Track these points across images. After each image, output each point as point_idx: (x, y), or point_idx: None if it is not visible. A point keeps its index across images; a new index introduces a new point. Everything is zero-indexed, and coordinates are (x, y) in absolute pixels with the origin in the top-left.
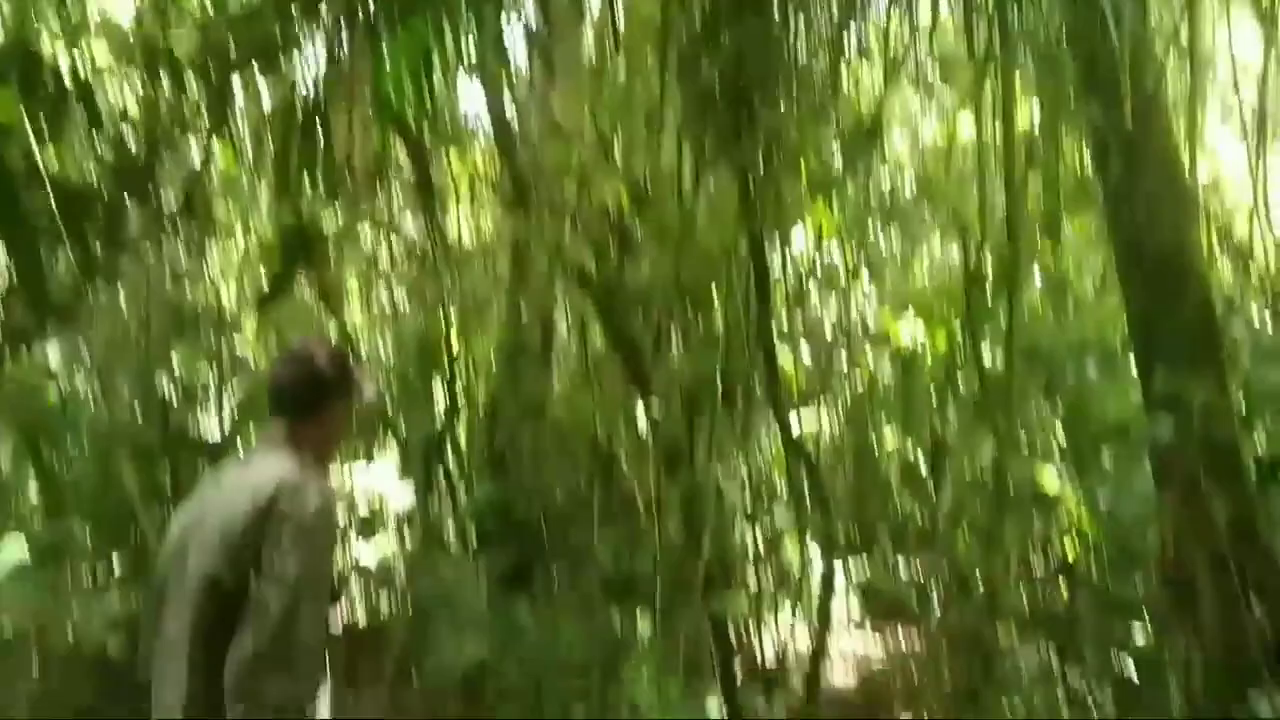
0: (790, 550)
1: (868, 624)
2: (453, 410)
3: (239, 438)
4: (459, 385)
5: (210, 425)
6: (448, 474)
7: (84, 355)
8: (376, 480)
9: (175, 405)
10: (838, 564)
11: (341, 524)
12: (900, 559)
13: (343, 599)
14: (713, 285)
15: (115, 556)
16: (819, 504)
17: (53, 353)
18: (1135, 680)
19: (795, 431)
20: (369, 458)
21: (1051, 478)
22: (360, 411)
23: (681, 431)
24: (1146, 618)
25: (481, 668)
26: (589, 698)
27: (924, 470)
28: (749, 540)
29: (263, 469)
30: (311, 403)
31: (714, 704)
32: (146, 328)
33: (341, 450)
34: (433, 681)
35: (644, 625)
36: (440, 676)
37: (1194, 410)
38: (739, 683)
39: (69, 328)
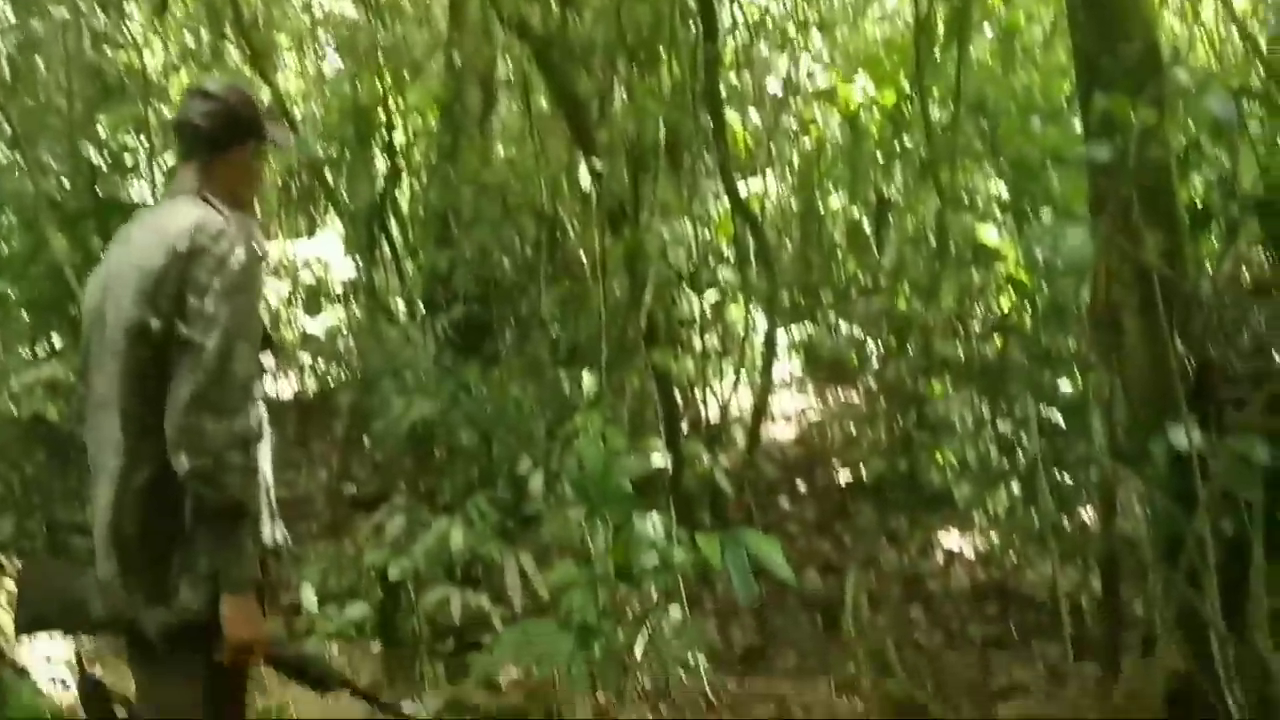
0: (734, 313)
1: (809, 384)
2: (393, 176)
3: None
4: (398, 150)
5: (142, 191)
6: (391, 242)
7: (4, 126)
8: (320, 251)
9: (104, 172)
10: (780, 326)
11: (285, 292)
12: (841, 320)
13: (286, 360)
14: (659, 41)
15: (51, 326)
16: (764, 266)
17: None
18: (1062, 426)
19: (742, 193)
20: (311, 231)
21: (991, 233)
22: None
23: (626, 192)
24: (1076, 370)
25: (429, 427)
26: (536, 452)
27: (868, 230)
28: (694, 303)
29: (177, 214)
30: (223, 141)
31: (659, 456)
32: (70, 95)
33: (256, 197)
34: (383, 443)
35: (590, 384)
36: (390, 438)
37: (1131, 136)
38: (683, 437)
39: None
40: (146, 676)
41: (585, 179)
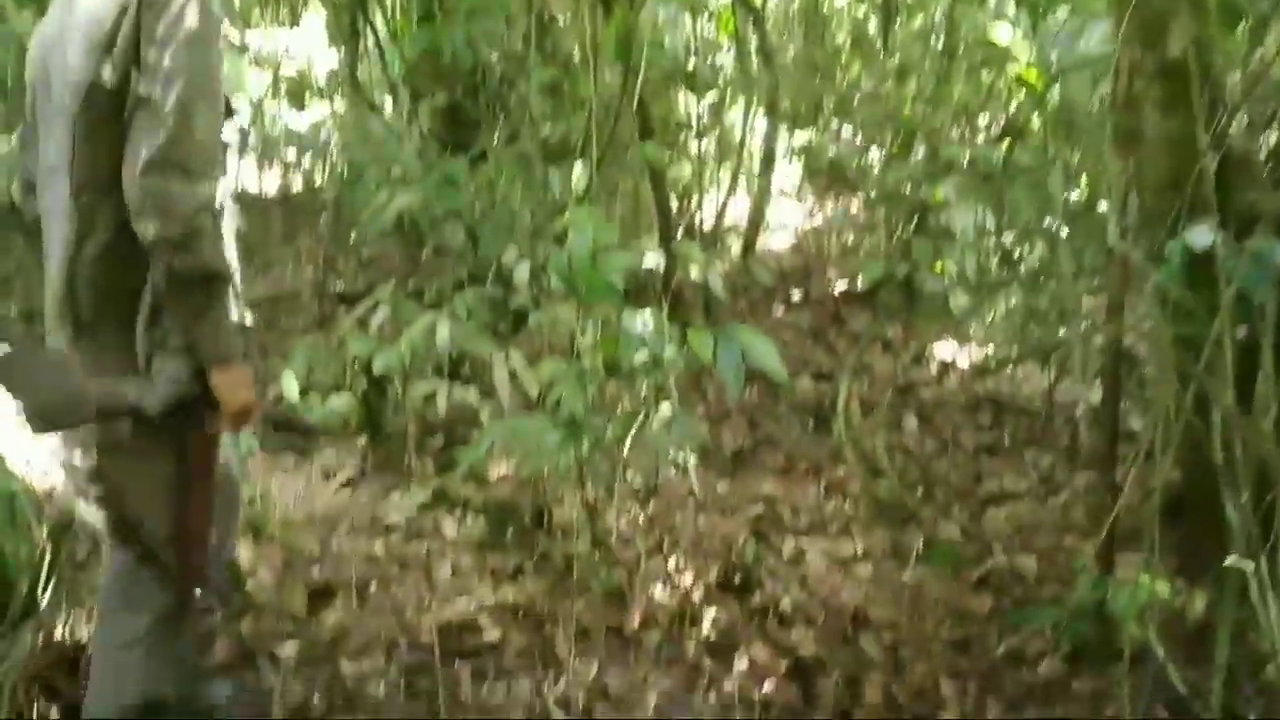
0: (732, 115)
1: (808, 192)
2: None
3: None
4: None
5: None
6: (375, 33)
7: None
8: (303, 42)
9: None
10: (781, 130)
11: (267, 85)
12: (845, 126)
13: (269, 155)
14: None
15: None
16: (766, 64)
17: None
18: (1065, 235)
19: None
20: (294, 21)
21: (1003, 31)
22: None
23: None
24: (1084, 178)
25: (415, 222)
26: (523, 245)
27: (873, 30)
28: (692, 103)
29: None
30: None
31: (651, 255)
32: None
33: None
34: (368, 238)
35: (580, 179)
36: (375, 232)
37: None
38: (677, 240)
39: None
40: (117, 463)
41: None
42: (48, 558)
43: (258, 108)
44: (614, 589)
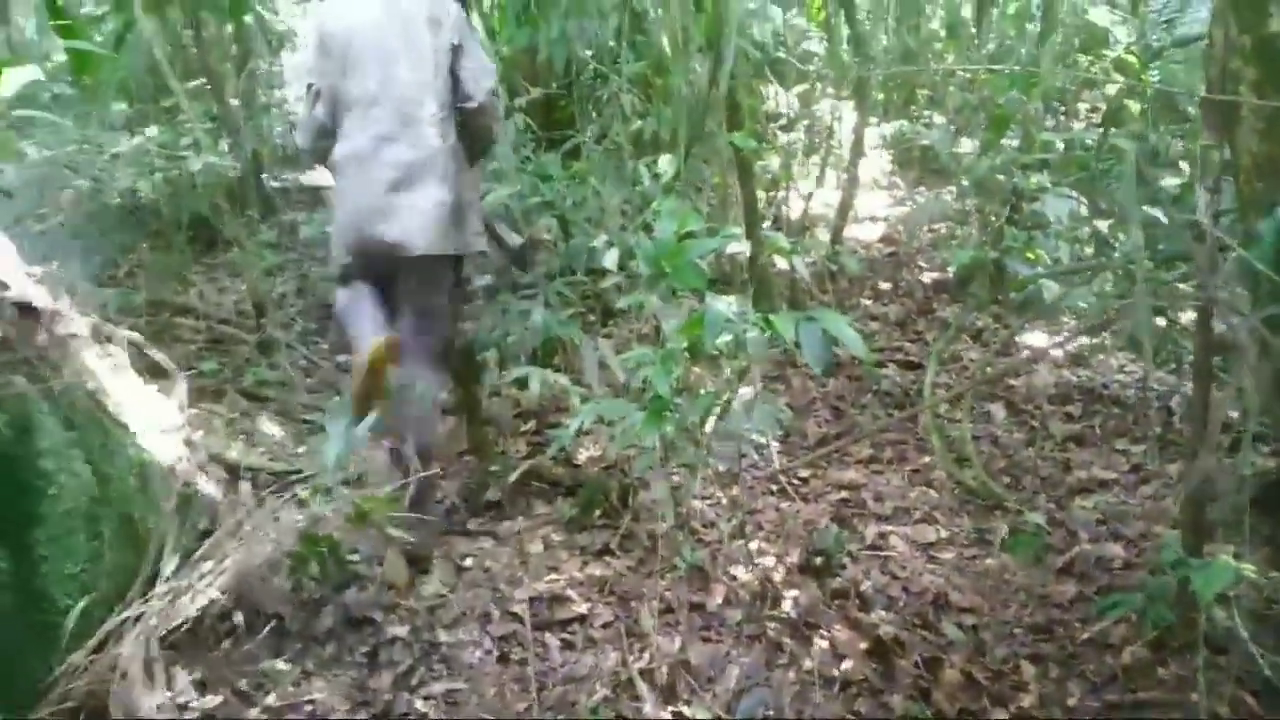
0: (822, 105)
1: (899, 183)
2: None
3: None
4: None
5: None
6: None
7: None
8: None
9: None
10: (871, 120)
11: None
12: (936, 114)
13: None
14: None
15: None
16: (857, 53)
17: None
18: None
19: None
20: None
21: (1102, 13)
22: None
23: None
24: (1183, 164)
25: (512, 214)
26: (611, 232)
27: (968, 14)
28: (780, 95)
29: None
30: None
31: (737, 243)
32: None
33: None
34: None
35: (668, 169)
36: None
37: None
38: (765, 228)
39: None
40: (430, 292)
41: None
42: (174, 527)
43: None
44: (697, 568)
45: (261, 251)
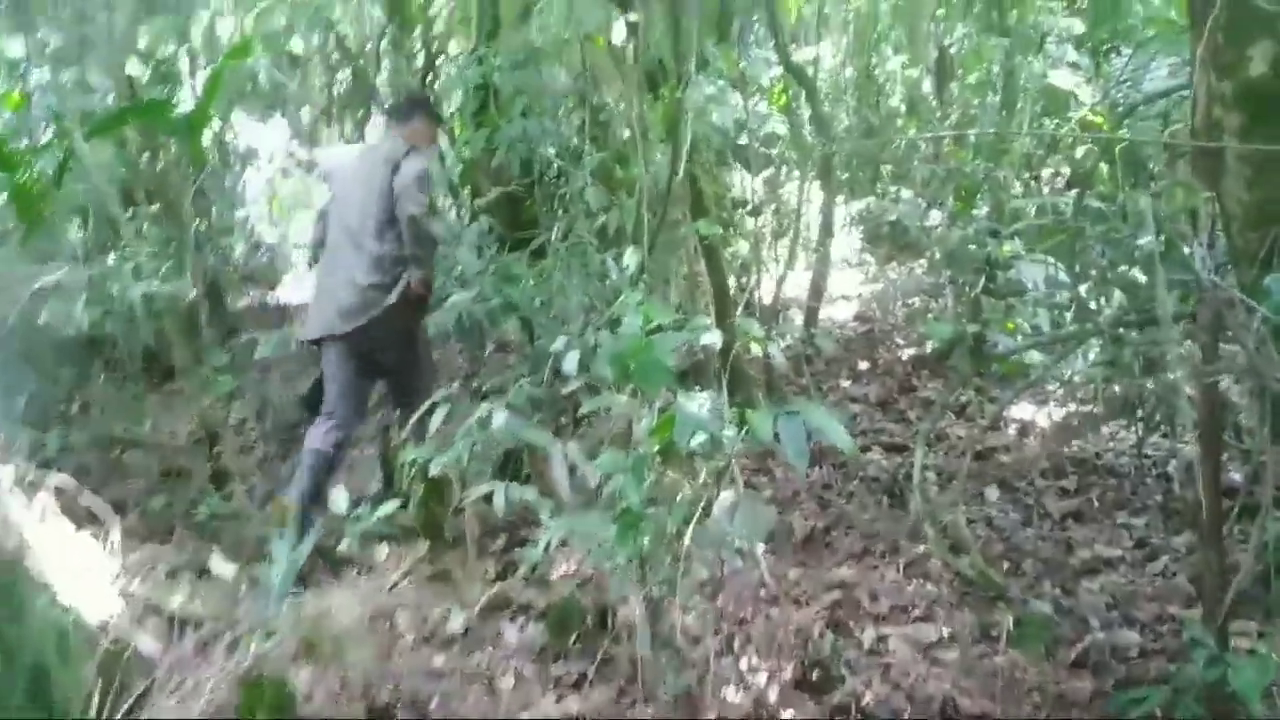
0: (787, 188)
1: (869, 261)
2: (430, 64)
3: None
4: (436, 38)
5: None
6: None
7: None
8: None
9: (144, 83)
10: (839, 199)
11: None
12: (903, 189)
13: None
14: None
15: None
16: (820, 135)
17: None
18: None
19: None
20: (361, 128)
21: (1063, 76)
22: None
23: (666, 44)
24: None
25: (474, 319)
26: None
27: (928, 89)
28: (745, 179)
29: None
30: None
31: (708, 334)
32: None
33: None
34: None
35: (632, 261)
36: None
37: None
38: (736, 315)
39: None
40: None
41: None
42: (97, 689)
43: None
44: (683, 693)
45: (215, 377)
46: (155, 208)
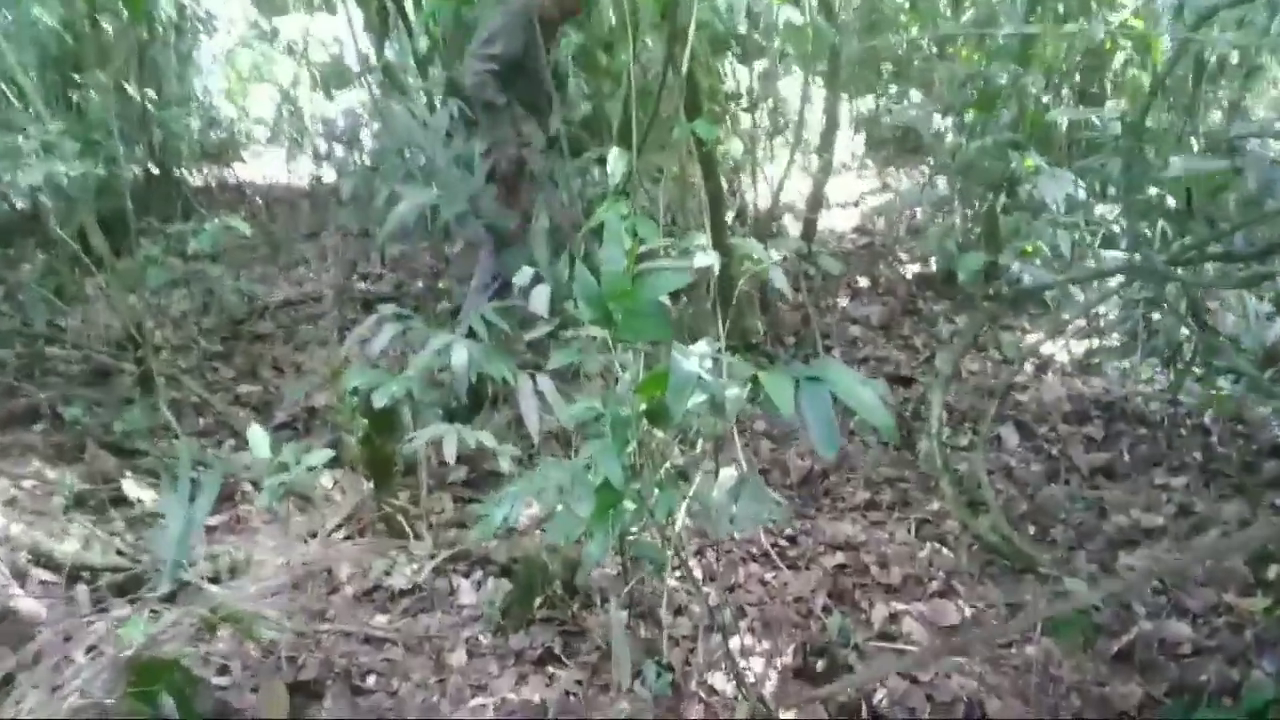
0: (788, 84)
1: (871, 165)
2: None
3: None
4: None
5: None
6: (407, 19)
7: None
8: (336, 30)
9: None
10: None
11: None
12: (914, 91)
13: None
14: None
15: None
16: (825, 23)
17: None
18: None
19: None
20: (330, 7)
21: None
22: None
23: None
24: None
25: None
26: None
27: None
28: (742, 74)
29: None
30: None
31: (703, 255)
32: None
33: None
34: (392, 236)
35: (618, 166)
36: (399, 230)
37: None
38: (731, 229)
39: None
40: None
41: None
42: None
43: (287, 96)
44: (666, 681)
45: (145, 267)
46: (102, 76)
